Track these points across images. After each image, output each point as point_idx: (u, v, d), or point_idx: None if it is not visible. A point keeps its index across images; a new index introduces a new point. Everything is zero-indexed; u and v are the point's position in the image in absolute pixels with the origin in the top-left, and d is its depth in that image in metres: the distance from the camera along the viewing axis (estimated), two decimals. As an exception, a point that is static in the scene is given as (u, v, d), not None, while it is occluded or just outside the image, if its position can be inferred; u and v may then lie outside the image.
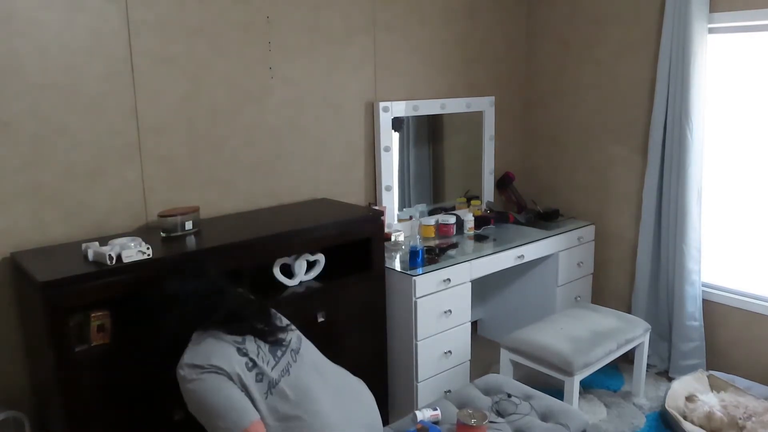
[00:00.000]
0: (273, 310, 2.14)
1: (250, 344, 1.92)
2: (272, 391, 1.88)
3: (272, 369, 1.91)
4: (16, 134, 2.28)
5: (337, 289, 2.73)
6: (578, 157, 3.94)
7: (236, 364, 1.85)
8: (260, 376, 1.87)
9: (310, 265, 2.72)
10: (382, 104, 3.32)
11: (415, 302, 2.88)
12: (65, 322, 2.01)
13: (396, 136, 3.45)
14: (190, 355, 1.86)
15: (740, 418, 2.78)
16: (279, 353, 1.97)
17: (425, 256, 3.04)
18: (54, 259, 2.21)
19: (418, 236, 3.33)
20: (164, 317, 1.97)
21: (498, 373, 2.92)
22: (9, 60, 2.23)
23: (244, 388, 1.83)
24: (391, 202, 3.44)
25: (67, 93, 2.38)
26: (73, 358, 2.02)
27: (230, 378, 1.82)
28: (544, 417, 2.39)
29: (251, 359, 1.88)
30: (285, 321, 2.13)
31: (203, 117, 2.75)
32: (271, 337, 1.98)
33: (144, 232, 2.53)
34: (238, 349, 1.88)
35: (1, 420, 2.23)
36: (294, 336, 2.08)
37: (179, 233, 2.46)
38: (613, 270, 3.86)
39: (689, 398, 3.00)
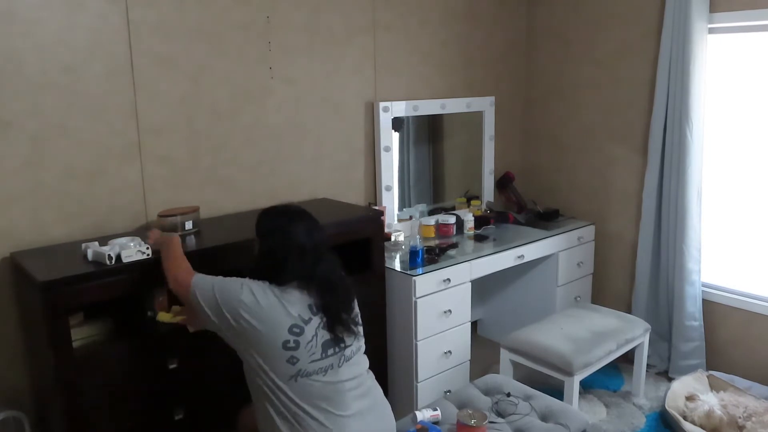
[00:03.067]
0: (356, 309, 2.05)
1: (310, 329, 1.86)
2: (298, 380, 1.84)
3: (312, 362, 1.86)
4: (16, 134, 2.28)
5: (337, 289, 2.73)
6: (578, 157, 3.94)
7: (273, 339, 1.82)
8: (294, 360, 1.83)
9: (310, 265, 2.72)
10: (382, 104, 3.32)
11: (415, 302, 2.88)
12: (65, 322, 2.01)
13: (396, 136, 3.45)
14: (266, 294, 1.86)
15: (740, 418, 2.78)
16: (330, 352, 1.90)
17: (425, 256, 3.04)
18: (54, 259, 2.21)
19: (418, 236, 3.33)
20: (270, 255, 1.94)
21: (498, 373, 2.92)
22: (9, 60, 2.23)
23: (267, 356, 1.83)
24: (391, 202, 3.44)
25: (67, 93, 2.38)
26: (73, 358, 2.02)
27: (245, 318, 1.83)
28: (544, 417, 2.39)
29: (296, 342, 1.83)
30: (359, 325, 2.03)
31: (203, 117, 2.75)
32: (339, 328, 1.92)
33: (144, 232, 2.52)
34: (293, 326, 1.84)
35: (1, 420, 2.23)
36: (356, 345, 1.99)
37: (179, 233, 2.46)
38: (613, 270, 3.86)
39: (689, 398, 2.99)
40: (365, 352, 2.06)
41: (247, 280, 1.90)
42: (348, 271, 2.78)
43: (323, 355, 1.88)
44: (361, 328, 2.04)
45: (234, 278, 1.91)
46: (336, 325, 1.92)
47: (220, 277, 1.92)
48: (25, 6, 2.25)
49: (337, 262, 2.03)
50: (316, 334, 1.87)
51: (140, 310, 2.30)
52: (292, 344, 1.83)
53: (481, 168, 3.93)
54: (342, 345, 1.94)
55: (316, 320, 1.89)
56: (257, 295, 1.85)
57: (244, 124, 2.88)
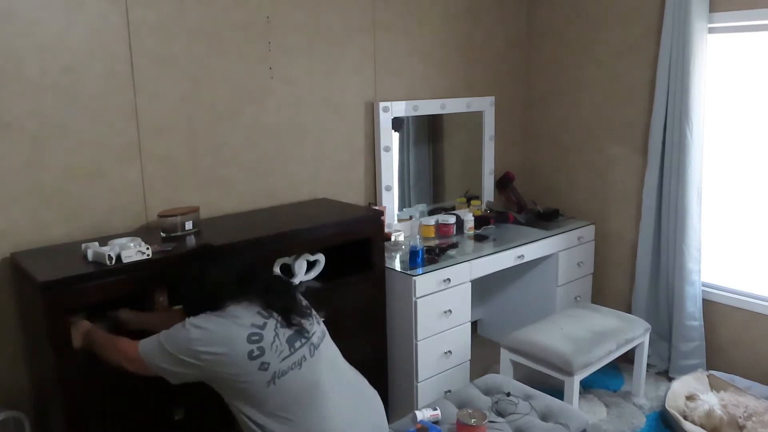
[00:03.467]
0: (300, 296, 2.10)
1: (268, 331, 1.88)
2: (276, 382, 1.85)
3: (282, 360, 1.87)
4: (16, 134, 2.28)
5: (337, 289, 2.73)
6: (578, 157, 3.94)
7: (237, 354, 1.82)
8: (265, 365, 1.84)
9: (310, 265, 2.72)
10: (382, 104, 3.32)
11: (415, 302, 2.88)
12: (65, 322, 2.01)
13: (396, 136, 3.45)
14: (210, 320, 1.86)
15: (740, 417, 2.78)
16: (297, 344, 1.92)
17: (425, 256, 3.04)
18: (54, 259, 2.21)
19: (418, 236, 3.33)
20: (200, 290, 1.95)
21: (498, 373, 2.92)
22: (9, 60, 2.23)
23: (237, 378, 1.83)
24: (391, 202, 3.44)
25: (67, 93, 2.38)
26: (73, 358, 2.02)
27: (199, 365, 1.83)
28: (544, 417, 2.39)
29: (260, 348, 1.84)
30: (313, 313, 2.08)
31: (203, 117, 2.75)
32: (295, 318, 1.94)
33: (144, 232, 2.53)
34: (251, 335, 1.85)
35: (1, 420, 2.23)
36: (319, 330, 2.03)
37: (179, 233, 2.46)
38: (613, 270, 3.86)
39: (689, 397, 2.99)
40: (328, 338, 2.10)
41: (187, 320, 1.88)
42: (348, 271, 2.80)
43: (291, 349, 1.90)
44: (316, 314, 2.08)
45: (177, 327, 1.89)
46: (291, 316, 1.94)
47: (161, 332, 1.90)
48: (25, 6, 2.25)
49: (269, 270, 2.11)
50: (276, 334, 1.89)
51: (140, 310, 2.30)
52: (256, 352, 1.84)
53: (481, 168, 3.93)
54: (306, 334, 1.96)
55: (271, 322, 1.90)
56: (203, 325, 1.85)
57: (244, 124, 2.88)
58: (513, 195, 4.02)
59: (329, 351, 2.05)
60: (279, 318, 1.92)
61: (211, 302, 1.91)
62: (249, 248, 2.41)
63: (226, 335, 1.83)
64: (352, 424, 1.94)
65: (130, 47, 2.51)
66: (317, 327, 2.03)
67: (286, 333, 1.91)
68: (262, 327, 1.88)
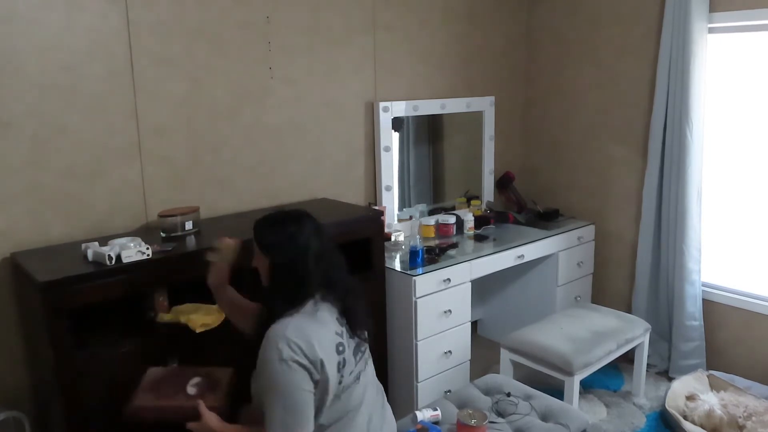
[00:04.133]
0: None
1: (347, 341, 1.76)
2: (341, 395, 1.75)
3: (350, 372, 1.76)
4: (16, 134, 2.28)
5: (337, 289, 2.73)
6: (578, 157, 3.94)
7: (332, 363, 1.69)
8: (341, 378, 1.73)
9: (310, 265, 2.72)
10: (382, 104, 3.32)
11: (415, 302, 2.88)
12: (65, 322, 2.01)
13: (396, 136, 3.45)
14: (295, 328, 1.66)
15: (740, 418, 2.78)
16: (358, 356, 1.82)
17: (425, 256, 3.04)
18: (54, 259, 2.21)
19: (418, 236, 3.33)
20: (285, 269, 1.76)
21: (498, 373, 2.92)
22: (9, 60, 2.23)
23: (324, 391, 1.69)
24: (391, 202, 3.44)
25: (67, 93, 2.38)
26: (73, 358, 2.02)
27: (315, 381, 1.67)
28: (544, 417, 2.39)
29: (344, 359, 1.72)
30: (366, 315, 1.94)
31: (203, 117, 2.75)
32: (359, 331, 1.81)
33: (144, 232, 2.53)
34: (338, 345, 1.72)
35: (1, 420, 2.23)
36: (366, 340, 1.92)
37: (179, 233, 2.46)
38: (613, 270, 3.86)
39: (689, 397, 2.99)
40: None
41: (279, 352, 1.64)
42: (348, 271, 2.80)
43: (356, 360, 1.81)
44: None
45: (271, 373, 1.65)
46: (357, 328, 1.82)
47: (270, 395, 1.66)
48: (25, 6, 2.25)
49: (344, 260, 1.91)
50: (348, 344, 1.78)
51: (140, 310, 2.31)
52: (342, 363, 1.73)
53: (481, 168, 3.93)
54: (363, 347, 1.87)
55: (345, 328, 1.79)
56: (296, 340, 1.65)
57: (243, 124, 2.88)
58: (513, 195, 4.02)
59: (371, 364, 1.96)
60: (347, 326, 1.80)
61: (300, 284, 1.73)
62: (249, 248, 2.41)
63: (320, 341, 1.68)
64: None
65: (130, 47, 2.51)
66: (366, 337, 1.91)
67: (351, 343, 1.80)
68: (342, 335, 1.76)
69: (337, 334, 1.75)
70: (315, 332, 1.70)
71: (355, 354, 1.81)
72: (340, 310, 1.81)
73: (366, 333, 1.89)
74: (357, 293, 1.87)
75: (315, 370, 1.67)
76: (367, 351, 1.92)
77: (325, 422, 1.76)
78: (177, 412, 1.86)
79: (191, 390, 1.97)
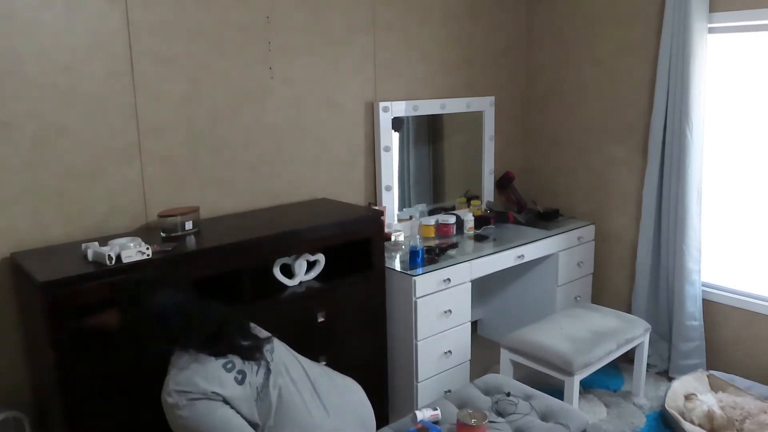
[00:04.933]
0: (251, 323, 2.09)
1: (236, 360, 1.89)
2: (260, 396, 1.88)
3: (256, 374, 1.90)
4: (16, 134, 2.28)
5: (337, 289, 2.73)
6: (578, 157, 3.94)
7: (226, 382, 1.82)
8: (249, 385, 1.87)
9: (310, 265, 2.72)
10: (382, 104, 3.32)
11: (415, 302, 2.88)
12: (65, 322, 2.01)
13: (396, 136, 3.45)
14: (175, 380, 1.81)
15: (737, 421, 2.78)
16: (258, 358, 1.95)
17: (425, 256, 3.04)
18: (54, 259, 2.21)
19: (418, 236, 3.33)
20: (145, 334, 1.90)
21: (498, 372, 2.92)
22: (9, 60, 2.23)
23: (238, 405, 1.82)
24: (391, 202, 3.44)
25: (67, 93, 2.38)
26: (73, 358, 2.02)
27: (222, 400, 1.80)
28: (544, 417, 2.39)
29: (240, 371, 1.86)
30: (265, 333, 2.09)
31: (203, 117, 2.75)
32: (255, 353, 1.94)
33: (144, 232, 2.53)
34: (225, 365, 1.86)
35: (1, 420, 2.23)
36: (275, 343, 2.06)
37: (179, 233, 2.46)
38: (613, 270, 3.86)
39: (687, 398, 2.99)
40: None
41: (166, 399, 1.80)
42: (348, 271, 2.80)
43: (258, 366, 1.92)
44: (263, 331, 2.08)
45: (168, 412, 1.81)
46: (250, 353, 1.92)
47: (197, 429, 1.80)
48: (25, 6, 2.25)
49: (204, 302, 2.00)
50: (243, 360, 1.91)
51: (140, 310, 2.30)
52: (239, 376, 1.85)
53: (481, 168, 3.93)
54: (261, 349, 1.96)
55: (234, 357, 1.90)
56: (180, 382, 1.80)
57: (244, 124, 2.88)
58: (513, 195, 4.02)
59: (290, 357, 2.06)
60: (237, 352, 1.92)
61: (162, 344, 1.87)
62: (249, 248, 2.42)
63: (208, 372, 1.82)
64: (335, 425, 1.96)
65: (130, 47, 2.51)
66: (271, 344, 2.03)
67: (239, 359, 1.92)
68: (225, 355, 1.88)
69: (219, 357, 1.86)
70: (194, 371, 1.81)
71: (253, 361, 1.92)
72: (216, 353, 1.88)
73: (264, 344, 1.99)
74: (233, 327, 1.96)
75: (212, 395, 1.78)
76: (275, 348, 2.01)
77: (268, 422, 1.87)
78: None
79: None
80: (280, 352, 2.05)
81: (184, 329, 1.88)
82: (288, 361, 2.04)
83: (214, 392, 1.79)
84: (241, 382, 1.85)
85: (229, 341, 1.92)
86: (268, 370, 1.94)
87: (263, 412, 1.88)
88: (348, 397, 2.10)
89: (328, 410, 1.98)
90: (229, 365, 1.86)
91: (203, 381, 1.79)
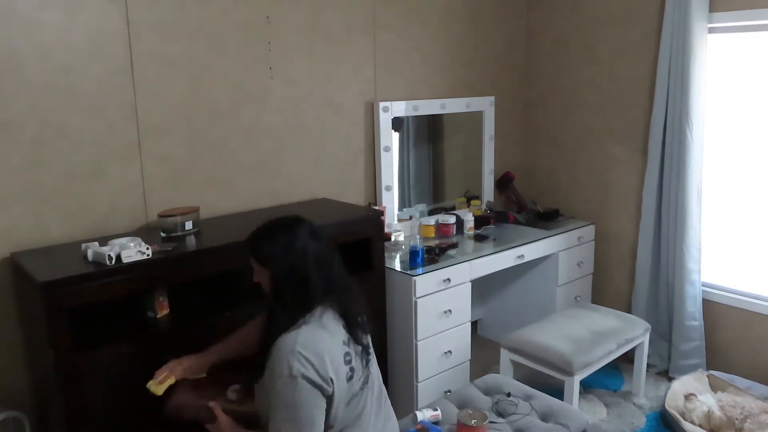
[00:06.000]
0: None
1: (352, 349, 1.74)
2: (351, 402, 1.73)
3: (359, 379, 1.76)
4: (16, 134, 2.28)
5: (337, 289, 2.72)
6: (578, 157, 3.94)
7: (342, 376, 1.67)
8: (351, 387, 1.72)
9: (310, 265, 2.72)
10: (382, 104, 3.32)
11: (415, 302, 2.88)
12: (65, 322, 2.01)
13: (396, 136, 3.45)
14: (305, 341, 1.62)
15: (737, 420, 2.78)
16: (365, 362, 1.80)
17: (425, 256, 3.04)
18: (54, 259, 2.21)
19: (418, 236, 3.33)
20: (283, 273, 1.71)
21: (498, 373, 2.92)
22: (9, 60, 2.23)
23: (334, 404, 1.67)
24: (391, 202, 3.44)
25: (67, 93, 2.38)
26: (73, 358, 2.02)
27: (327, 397, 1.65)
28: (544, 417, 2.39)
29: (352, 368, 1.71)
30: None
31: (203, 117, 2.75)
32: (360, 335, 1.77)
33: (144, 232, 2.53)
34: (345, 355, 1.70)
35: (1, 420, 2.23)
36: (369, 342, 1.89)
37: (179, 233, 2.46)
38: (613, 270, 3.86)
39: (687, 398, 3.00)
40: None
41: (289, 366, 1.61)
42: (348, 270, 2.79)
43: (363, 366, 1.79)
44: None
45: (281, 387, 1.62)
46: (360, 332, 1.79)
47: (277, 408, 1.63)
48: (25, 6, 2.24)
49: (340, 260, 1.87)
50: (355, 351, 1.76)
51: (140, 310, 2.30)
52: (350, 373, 1.71)
53: (481, 168, 3.93)
54: (368, 350, 1.84)
55: (349, 336, 1.76)
56: (308, 355, 1.62)
57: (243, 124, 2.88)
58: (513, 195, 4.02)
59: (376, 367, 1.94)
60: (351, 331, 1.77)
61: (305, 293, 1.70)
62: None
63: (331, 354, 1.66)
64: None
65: (130, 47, 2.51)
66: (369, 339, 1.88)
67: (357, 350, 1.78)
68: (348, 344, 1.74)
69: (344, 343, 1.73)
70: (325, 345, 1.66)
71: (362, 359, 1.78)
72: (341, 314, 1.76)
73: (368, 337, 1.86)
74: (356, 295, 1.83)
75: (326, 385, 1.64)
76: (372, 354, 1.89)
77: (337, 428, 1.74)
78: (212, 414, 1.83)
79: (231, 395, 1.95)
80: (374, 358, 1.88)
81: (333, 272, 1.74)
82: (375, 370, 1.89)
83: (331, 384, 1.62)
84: (349, 380, 1.69)
85: (356, 313, 1.76)
86: (367, 378, 1.79)
87: (344, 419, 1.72)
88: (389, 425, 1.95)
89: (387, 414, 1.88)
90: (348, 357, 1.70)
91: (331, 364, 1.63)
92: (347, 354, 1.71)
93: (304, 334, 1.65)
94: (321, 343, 1.65)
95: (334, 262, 1.81)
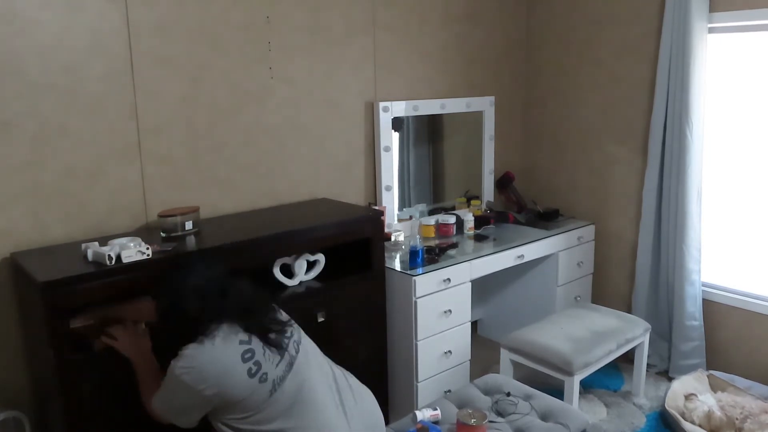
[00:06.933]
0: (274, 305, 2.10)
1: (256, 345, 1.87)
2: (277, 389, 1.86)
3: (276, 365, 1.88)
4: (16, 134, 2.28)
5: (337, 289, 2.73)
6: (578, 157, 3.94)
7: (239, 374, 1.81)
8: (264, 376, 1.84)
9: (310, 265, 2.72)
10: (382, 104, 3.32)
11: (415, 302, 2.88)
12: (65, 323, 2.01)
13: (396, 136, 3.45)
14: (197, 354, 1.80)
15: (737, 419, 2.78)
16: (282, 353, 1.92)
17: (425, 256, 3.04)
18: (54, 259, 2.21)
19: (418, 236, 3.33)
20: (173, 312, 1.90)
21: (498, 372, 2.92)
22: (9, 60, 2.23)
23: (234, 396, 1.81)
24: (391, 202, 3.44)
25: (67, 93, 2.38)
26: (73, 358, 2.02)
27: (210, 395, 1.80)
28: (544, 417, 2.39)
29: (256, 362, 1.84)
30: (285, 316, 2.09)
31: (203, 117, 2.75)
32: (279, 341, 1.92)
33: (144, 232, 2.53)
34: (244, 353, 1.83)
35: (1, 420, 2.23)
36: (295, 330, 2.04)
37: (179, 233, 2.46)
38: (613, 270, 3.86)
39: (687, 398, 3.00)
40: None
41: (173, 366, 1.82)
42: (348, 271, 2.80)
43: (280, 358, 1.90)
44: (284, 313, 2.08)
45: (168, 377, 1.85)
46: (271, 335, 1.92)
47: (159, 392, 1.89)
48: (25, 6, 2.25)
49: (233, 279, 2.01)
50: (259, 348, 1.88)
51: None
52: (254, 368, 1.83)
53: (481, 168, 3.93)
54: (286, 335, 1.97)
55: (255, 338, 1.89)
56: (192, 365, 1.80)
57: (243, 124, 2.88)
58: (513, 195, 4.02)
59: (313, 350, 2.06)
60: (260, 334, 1.91)
61: (197, 324, 1.85)
62: (249, 248, 2.42)
63: (220, 363, 1.81)
64: (347, 426, 1.94)
65: (130, 47, 2.51)
66: (292, 329, 2.02)
67: (264, 347, 1.90)
68: (249, 341, 1.87)
69: (242, 342, 1.85)
70: (215, 355, 1.81)
71: (276, 352, 1.90)
72: (243, 327, 1.89)
73: (285, 328, 1.98)
74: (257, 307, 1.97)
75: (209, 389, 1.79)
76: (295, 335, 2.00)
77: (273, 416, 1.85)
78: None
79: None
80: (306, 344, 2.03)
81: (221, 301, 1.89)
82: (313, 355, 2.03)
83: (215, 383, 1.79)
84: (253, 375, 1.82)
85: (260, 320, 1.92)
86: (291, 364, 1.92)
87: (278, 406, 1.86)
88: (362, 403, 2.07)
89: (346, 413, 1.97)
90: (248, 355, 1.84)
91: (221, 374, 1.79)
92: (246, 351, 1.84)
93: (192, 350, 1.82)
94: (199, 358, 1.81)
95: (227, 287, 1.95)
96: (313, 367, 1.99)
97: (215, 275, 1.97)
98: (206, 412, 1.88)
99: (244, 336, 1.87)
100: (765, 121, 3.21)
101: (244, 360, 1.83)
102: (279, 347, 1.91)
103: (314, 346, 2.10)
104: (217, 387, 1.80)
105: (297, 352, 1.96)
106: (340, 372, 2.10)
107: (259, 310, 1.97)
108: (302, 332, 2.08)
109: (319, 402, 1.92)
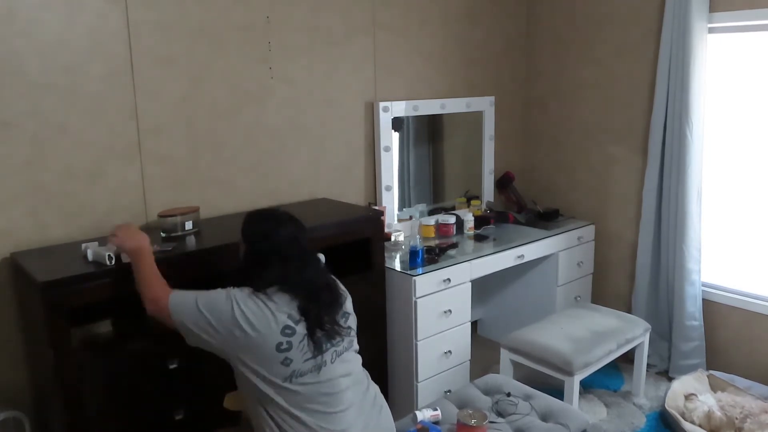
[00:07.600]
0: (346, 311, 2.02)
1: (301, 328, 1.85)
2: (293, 381, 1.83)
3: (305, 361, 1.84)
4: (16, 134, 2.28)
5: (337, 289, 2.73)
6: (578, 157, 3.94)
7: (272, 337, 1.80)
8: (288, 361, 1.82)
9: (310, 265, 2.72)
10: (382, 104, 3.32)
11: (415, 302, 2.88)
12: (65, 323, 2.01)
13: (396, 136, 3.45)
14: (249, 297, 1.84)
15: (737, 419, 2.78)
16: (323, 348, 1.89)
17: (425, 256, 3.04)
18: (54, 259, 2.21)
19: (418, 236, 3.33)
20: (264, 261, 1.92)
21: (498, 373, 2.92)
22: (9, 60, 2.23)
23: (252, 352, 1.82)
24: (391, 202, 3.44)
25: (67, 93, 2.38)
26: (73, 358, 2.02)
27: (235, 334, 1.81)
28: (544, 417, 2.39)
29: (289, 343, 1.82)
30: (348, 325, 2.01)
31: (203, 117, 2.75)
32: (323, 335, 1.88)
33: (144, 232, 2.52)
34: (285, 327, 1.83)
35: (1, 420, 2.23)
36: (347, 342, 1.97)
37: (179, 233, 2.46)
38: (613, 270, 3.86)
39: (687, 398, 3.00)
40: (359, 352, 2.04)
41: (230, 291, 1.87)
42: (348, 271, 2.80)
43: (315, 353, 1.87)
44: (351, 330, 2.02)
45: (217, 291, 1.88)
46: (316, 329, 1.89)
47: (201, 293, 1.88)
48: (25, 6, 2.25)
49: (322, 266, 2.04)
50: (307, 334, 1.87)
51: (140, 310, 2.30)
52: (285, 346, 1.82)
53: (481, 168, 3.93)
54: (331, 343, 1.92)
55: (302, 324, 1.87)
56: (245, 305, 1.83)
57: (243, 124, 2.88)
58: (513, 195, 4.02)
59: (352, 363, 1.99)
60: (312, 323, 1.88)
61: (259, 275, 1.88)
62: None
63: (263, 323, 1.81)
64: None
65: (130, 47, 2.51)
66: (346, 340, 1.97)
67: (306, 336, 1.87)
68: (297, 322, 1.86)
69: (289, 317, 1.85)
70: (265, 306, 1.84)
71: (318, 345, 1.87)
72: (301, 305, 1.88)
73: (337, 338, 1.93)
74: (324, 299, 1.94)
75: (241, 325, 1.80)
76: (343, 348, 1.95)
77: (284, 403, 1.83)
78: None
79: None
80: (349, 359, 1.98)
81: (297, 271, 1.91)
82: (354, 373, 1.98)
83: (251, 329, 1.80)
84: (283, 350, 1.81)
85: (319, 312, 1.90)
86: (318, 367, 1.87)
87: (290, 396, 1.84)
88: (382, 417, 2.02)
89: (363, 421, 1.93)
90: (288, 331, 1.83)
91: (258, 322, 1.80)
92: (287, 327, 1.84)
93: (249, 293, 1.87)
94: (262, 303, 1.84)
95: (309, 264, 1.98)
96: (344, 378, 1.93)
97: (302, 248, 1.98)
98: (208, 348, 1.87)
99: (296, 315, 1.86)
100: (765, 121, 3.21)
101: (283, 333, 1.83)
102: (318, 348, 1.87)
103: (357, 359, 2.03)
104: (246, 335, 1.80)
105: (332, 362, 1.90)
106: (372, 384, 2.06)
107: (324, 303, 1.93)
108: (354, 347, 2.02)
109: (342, 410, 1.89)
